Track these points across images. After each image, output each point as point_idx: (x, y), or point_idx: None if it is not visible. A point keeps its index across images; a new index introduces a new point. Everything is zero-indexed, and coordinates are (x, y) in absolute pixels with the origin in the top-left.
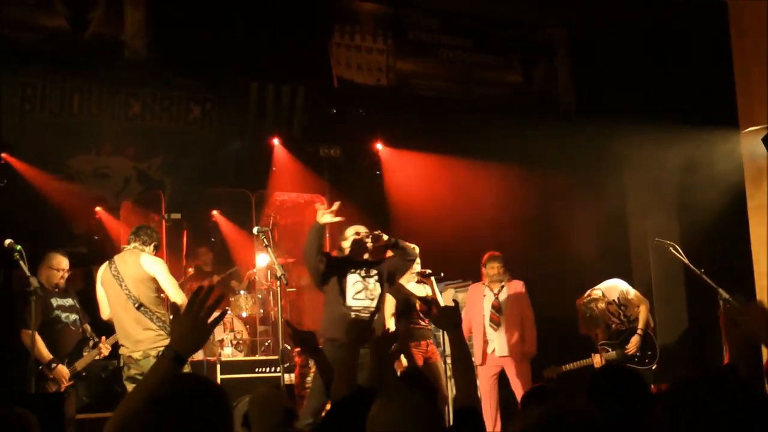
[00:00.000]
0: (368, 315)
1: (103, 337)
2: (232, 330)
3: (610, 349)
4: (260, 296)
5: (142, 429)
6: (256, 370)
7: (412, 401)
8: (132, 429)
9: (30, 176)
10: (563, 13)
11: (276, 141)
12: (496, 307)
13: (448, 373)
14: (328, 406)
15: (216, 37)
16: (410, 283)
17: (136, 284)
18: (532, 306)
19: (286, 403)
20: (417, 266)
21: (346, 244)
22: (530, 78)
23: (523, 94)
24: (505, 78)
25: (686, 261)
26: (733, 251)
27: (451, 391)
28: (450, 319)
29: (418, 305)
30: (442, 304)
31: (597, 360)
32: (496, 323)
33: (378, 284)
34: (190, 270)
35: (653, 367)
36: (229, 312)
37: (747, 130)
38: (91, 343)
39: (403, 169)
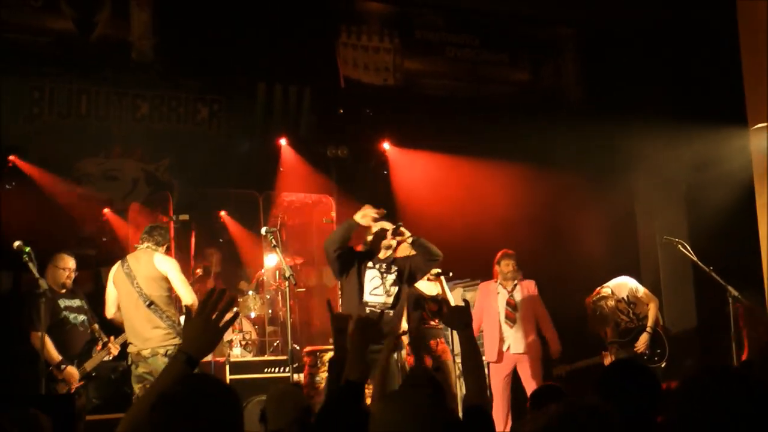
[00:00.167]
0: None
1: (112, 337)
2: (240, 331)
3: (619, 347)
4: (269, 297)
5: (151, 429)
6: (266, 370)
7: (412, 401)
8: (144, 431)
9: (38, 179)
10: (570, 10)
11: (283, 141)
12: (512, 305)
13: (457, 372)
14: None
15: (223, 37)
16: (421, 282)
17: (148, 283)
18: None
19: (303, 400)
20: None
21: (370, 238)
22: (538, 76)
23: (530, 92)
24: (512, 76)
25: (695, 258)
26: (741, 248)
27: (460, 390)
28: (461, 318)
29: (428, 305)
30: (452, 303)
31: (607, 358)
32: (511, 320)
33: (397, 281)
34: (199, 271)
35: (662, 365)
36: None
37: (755, 127)
38: (100, 343)
39: (411, 169)
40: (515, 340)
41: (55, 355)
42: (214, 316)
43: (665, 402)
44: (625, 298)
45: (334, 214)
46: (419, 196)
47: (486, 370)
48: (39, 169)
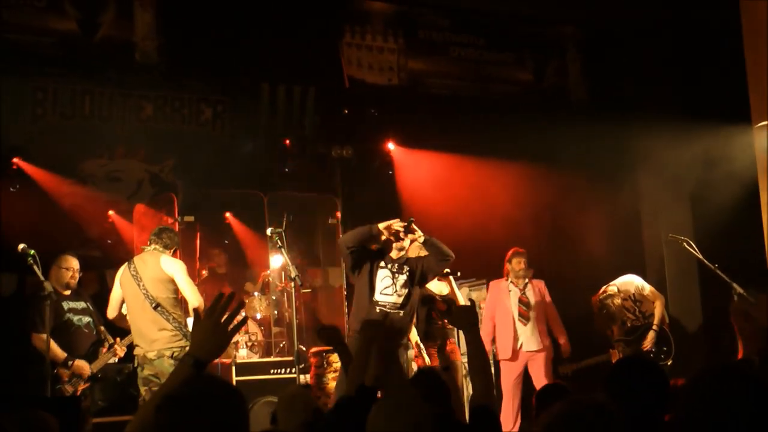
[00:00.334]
0: (392, 311)
1: (118, 339)
2: (246, 332)
3: (625, 345)
4: (274, 298)
5: (157, 430)
6: (272, 371)
7: (410, 403)
8: None
9: (42, 180)
10: (574, 10)
11: (288, 142)
12: (525, 302)
13: (464, 371)
14: None
15: (227, 38)
16: (432, 282)
17: (154, 284)
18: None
19: (313, 402)
20: None
21: (384, 237)
22: (542, 75)
23: (534, 91)
24: (516, 75)
25: (700, 256)
26: (746, 246)
27: (467, 390)
28: (467, 318)
29: (438, 304)
30: (461, 303)
31: (614, 356)
32: (525, 318)
33: (408, 282)
34: (204, 272)
35: (669, 363)
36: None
37: (759, 124)
38: (106, 344)
39: (416, 169)
40: (528, 338)
41: (60, 353)
42: (222, 320)
43: (673, 400)
44: (632, 296)
45: (339, 214)
46: (424, 195)
47: (493, 369)
48: (43, 170)
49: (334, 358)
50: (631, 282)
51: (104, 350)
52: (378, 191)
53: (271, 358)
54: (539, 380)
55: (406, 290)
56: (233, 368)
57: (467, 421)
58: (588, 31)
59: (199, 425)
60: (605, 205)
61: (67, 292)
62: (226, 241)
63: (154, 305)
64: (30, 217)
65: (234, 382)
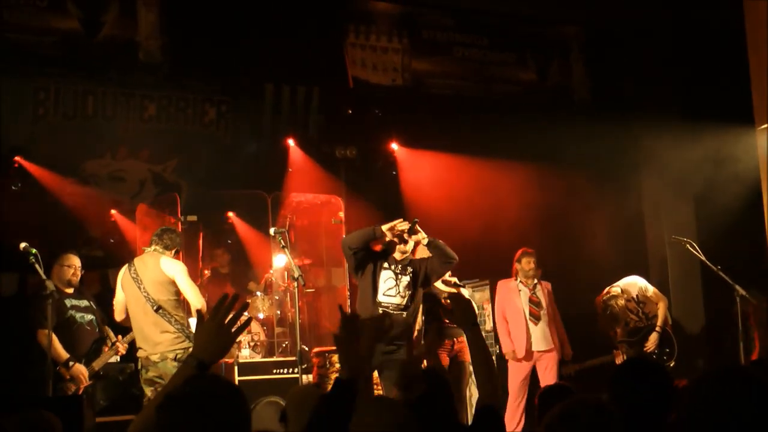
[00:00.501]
0: (395, 312)
1: (120, 336)
2: (249, 331)
3: (628, 346)
4: (277, 297)
5: (158, 430)
6: (274, 371)
7: (390, 408)
8: None
9: (44, 180)
10: (577, 10)
11: (291, 142)
12: (535, 302)
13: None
14: None
15: (231, 38)
16: (440, 282)
17: (155, 287)
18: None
19: None
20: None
21: (388, 238)
22: (545, 75)
23: (537, 91)
24: (519, 75)
25: (703, 258)
26: (749, 248)
27: (470, 390)
28: (466, 317)
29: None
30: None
31: (618, 357)
32: (536, 317)
33: (412, 283)
34: (207, 272)
35: (671, 364)
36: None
37: (762, 126)
38: (109, 342)
39: (419, 169)
40: (538, 338)
41: (63, 352)
42: (226, 321)
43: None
44: (635, 297)
45: (342, 214)
46: (427, 196)
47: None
48: (45, 170)
49: (337, 358)
50: (634, 283)
51: (106, 348)
52: (382, 191)
53: (274, 358)
54: (546, 380)
55: (410, 291)
56: (236, 368)
57: (471, 421)
58: (591, 32)
59: (200, 425)
60: (608, 206)
61: (70, 290)
62: (229, 241)
63: (155, 308)
64: (32, 216)
65: (236, 382)
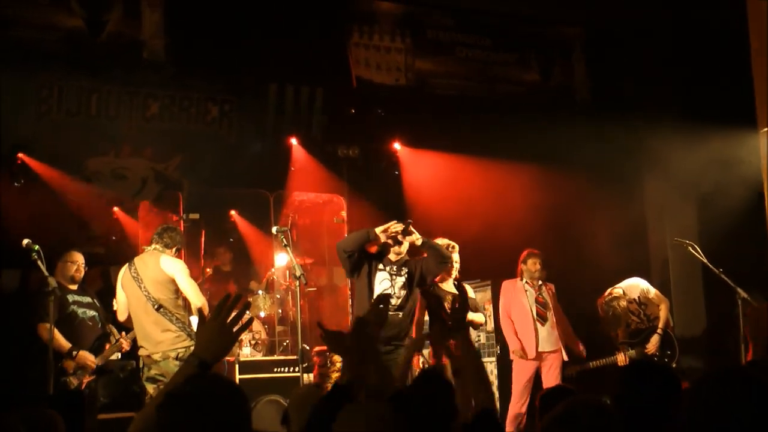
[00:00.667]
0: (391, 313)
1: (123, 333)
2: (250, 330)
3: (630, 348)
4: (278, 296)
5: (158, 428)
6: (275, 370)
7: (376, 411)
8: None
9: (47, 177)
10: (581, 10)
11: (294, 141)
12: (542, 303)
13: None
14: None
15: (234, 37)
16: (447, 282)
17: (155, 286)
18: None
19: None
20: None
21: (383, 239)
22: (547, 75)
23: (540, 92)
24: (522, 76)
25: (705, 260)
26: (752, 250)
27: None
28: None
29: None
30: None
31: (621, 358)
32: (543, 318)
33: (407, 284)
34: (209, 270)
35: (672, 366)
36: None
37: (765, 129)
38: (113, 339)
39: (422, 169)
40: (545, 339)
41: (65, 343)
42: (228, 320)
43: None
44: (637, 299)
45: (344, 213)
46: (430, 196)
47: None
48: (48, 167)
49: (338, 357)
50: (636, 285)
51: (109, 345)
52: (384, 191)
53: (275, 357)
54: (549, 381)
55: (405, 292)
56: (237, 366)
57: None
58: (594, 33)
59: (201, 423)
60: (611, 208)
61: (73, 287)
62: (231, 239)
63: (156, 307)
64: (34, 212)
65: (237, 381)
